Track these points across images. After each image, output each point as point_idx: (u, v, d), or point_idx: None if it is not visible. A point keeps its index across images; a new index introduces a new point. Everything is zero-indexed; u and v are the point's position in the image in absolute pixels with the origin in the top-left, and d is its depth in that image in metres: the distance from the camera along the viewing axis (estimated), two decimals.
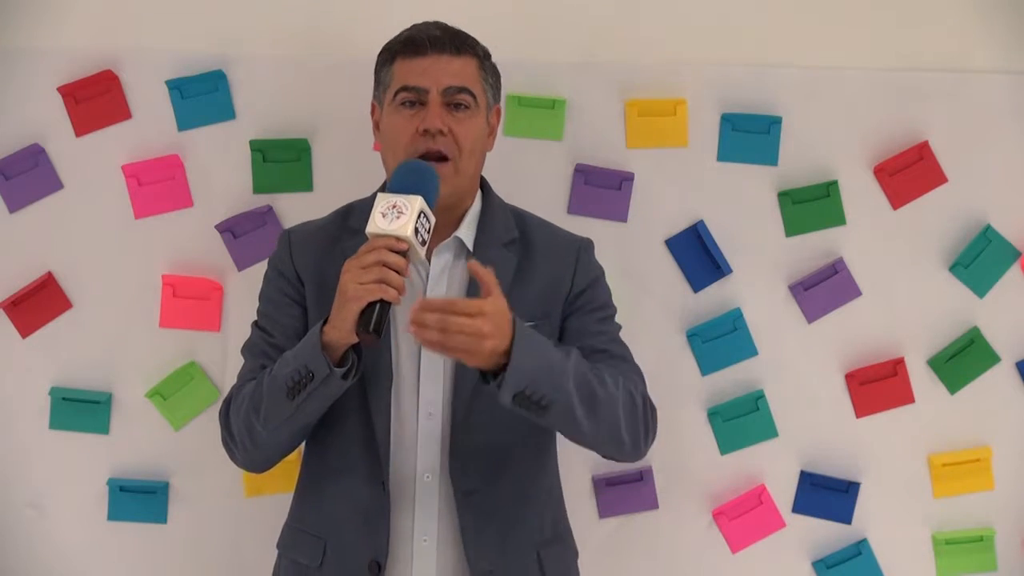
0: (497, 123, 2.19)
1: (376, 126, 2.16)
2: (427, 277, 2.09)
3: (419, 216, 1.92)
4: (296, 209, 2.51)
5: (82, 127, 2.51)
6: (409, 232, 1.91)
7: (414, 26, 2.12)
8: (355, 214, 2.17)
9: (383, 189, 2.16)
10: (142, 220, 2.53)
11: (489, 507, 2.07)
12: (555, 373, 1.92)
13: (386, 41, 2.16)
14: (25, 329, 2.53)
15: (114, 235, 2.53)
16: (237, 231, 2.53)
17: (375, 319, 1.88)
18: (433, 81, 2.05)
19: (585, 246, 2.21)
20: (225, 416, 2.10)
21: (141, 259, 2.53)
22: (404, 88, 2.06)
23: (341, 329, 1.92)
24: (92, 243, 2.53)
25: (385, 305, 1.90)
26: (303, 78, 2.51)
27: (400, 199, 1.93)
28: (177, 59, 2.50)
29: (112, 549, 2.56)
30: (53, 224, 2.53)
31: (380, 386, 2.05)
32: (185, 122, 2.52)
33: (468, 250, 2.11)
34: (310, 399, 1.97)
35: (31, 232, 2.53)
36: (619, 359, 2.13)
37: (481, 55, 2.12)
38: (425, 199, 1.94)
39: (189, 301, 2.53)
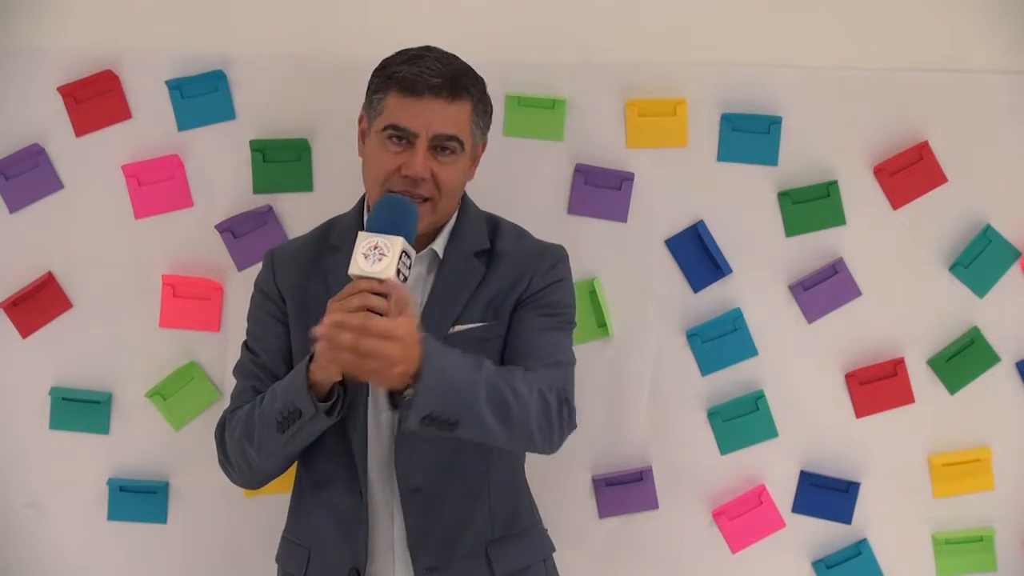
0: (482, 153, 2.19)
1: (361, 136, 2.16)
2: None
3: (401, 256, 1.92)
4: (296, 209, 2.52)
5: (82, 127, 2.51)
6: (391, 275, 1.91)
7: (417, 58, 2.08)
8: (336, 230, 2.19)
9: (362, 206, 2.18)
10: (142, 220, 2.53)
11: (434, 504, 2.09)
12: (463, 392, 1.92)
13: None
14: (25, 329, 2.53)
15: (114, 235, 2.53)
16: (237, 231, 2.53)
17: None
18: (424, 126, 2.04)
19: (552, 251, 2.21)
20: (220, 438, 2.13)
21: (141, 259, 2.53)
22: (394, 126, 2.05)
23: (327, 370, 1.96)
24: (92, 243, 2.53)
25: None
26: (303, 78, 2.51)
27: (381, 240, 1.92)
28: (177, 59, 2.50)
29: (112, 549, 2.56)
30: (53, 224, 2.53)
31: (356, 401, 2.07)
32: (185, 122, 2.52)
33: (439, 259, 2.14)
34: (299, 433, 2.01)
35: (31, 232, 2.53)
36: (541, 354, 2.10)
37: (476, 97, 2.10)
38: (406, 237, 1.94)
39: (189, 301, 2.53)
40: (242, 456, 2.08)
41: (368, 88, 2.14)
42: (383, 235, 1.93)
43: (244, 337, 2.21)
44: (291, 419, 1.99)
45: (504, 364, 2.10)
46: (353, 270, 1.93)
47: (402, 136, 2.06)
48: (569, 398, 2.11)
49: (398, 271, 1.92)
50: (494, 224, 2.22)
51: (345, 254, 2.05)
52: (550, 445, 2.08)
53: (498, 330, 2.13)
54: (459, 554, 2.10)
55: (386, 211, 1.99)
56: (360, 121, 2.17)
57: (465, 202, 2.21)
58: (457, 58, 2.11)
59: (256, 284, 2.22)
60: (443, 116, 2.06)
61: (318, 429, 2.02)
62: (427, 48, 2.11)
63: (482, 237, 2.18)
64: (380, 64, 2.13)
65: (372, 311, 1.89)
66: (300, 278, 2.15)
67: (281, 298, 2.16)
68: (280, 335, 2.15)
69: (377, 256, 1.92)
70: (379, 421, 2.10)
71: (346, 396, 2.03)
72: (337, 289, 1.96)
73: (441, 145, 2.06)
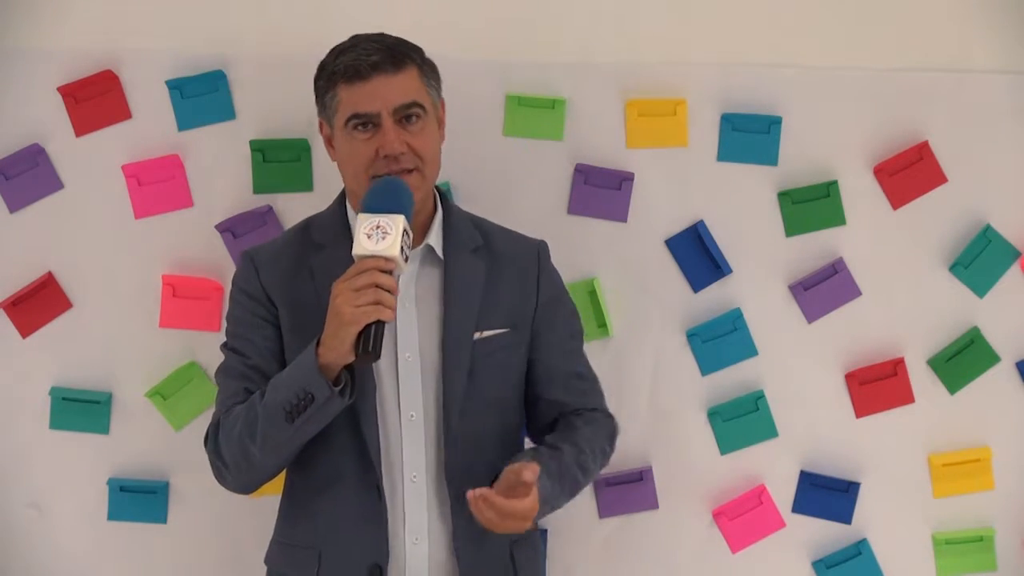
0: (443, 113, 2.20)
1: (327, 141, 2.17)
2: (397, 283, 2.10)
3: (403, 234, 1.95)
4: (296, 209, 2.51)
5: (82, 127, 2.51)
6: (396, 252, 1.94)
7: (350, 46, 2.10)
8: (315, 229, 2.19)
9: (342, 203, 2.19)
10: (142, 220, 2.53)
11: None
12: (551, 508, 2.07)
13: (332, 50, 2.15)
14: (25, 329, 2.53)
15: (114, 235, 2.53)
16: (237, 231, 2.53)
17: (372, 341, 1.93)
18: (382, 104, 2.06)
19: (543, 251, 2.25)
20: (214, 442, 2.11)
21: (141, 259, 2.53)
22: (354, 115, 2.07)
23: (338, 351, 1.96)
24: (92, 243, 2.53)
25: (381, 325, 1.94)
26: (303, 78, 2.48)
27: (383, 219, 1.95)
28: (177, 59, 2.50)
29: (112, 549, 2.56)
30: (53, 224, 2.53)
31: (366, 395, 2.08)
32: (185, 122, 2.52)
33: (439, 257, 2.15)
34: (310, 421, 2.00)
35: (31, 232, 2.53)
36: (590, 383, 2.26)
37: (419, 61, 2.12)
38: (405, 215, 1.97)
39: (189, 301, 2.53)
40: (242, 455, 2.06)
41: (316, 95, 2.14)
42: (384, 214, 1.95)
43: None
44: (302, 406, 1.98)
45: (541, 385, 2.20)
46: (357, 250, 1.95)
47: (366, 122, 2.07)
48: (615, 420, 2.26)
49: (401, 248, 1.94)
50: (476, 220, 2.24)
51: (332, 251, 2.09)
52: None
53: (519, 338, 2.17)
54: (493, 556, 2.12)
55: (382, 192, 2.02)
56: (320, 129, 2.17)
57: (445, 199, 2.22)
58: (385, 34, 2.13)
59: (237, 285, 2.19)
60: (396, 88, 2.06)
61: (331, 414, 2.01)
62: (354, 37, 2.13)
63: (473, 233, 2.20)
64: (318, 69, 2.14)
65: (380, 288, 1.93)
66: (287, 278, 2.15)
67: (268, 299, 2.14)
68: (270, 336, 2.14)
69: (380, 235, 1.95)
70: (385, 410, 2.10)
71: (354, 380, 2.03)
72: (326, 287, 1.99)
73: (405, 115, 2.07)
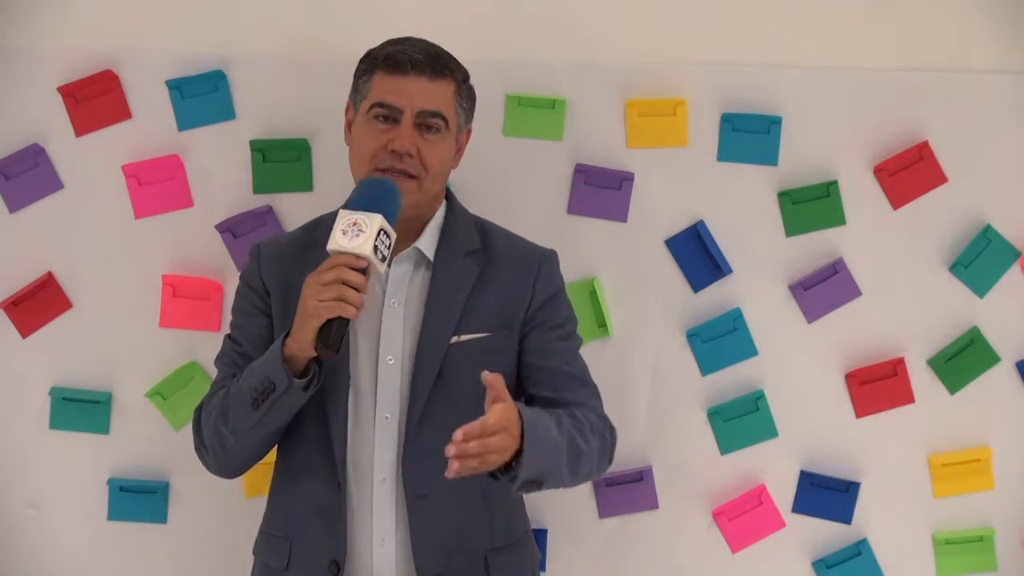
0: (466, 143, 2.22)
1: (348, 126, 2.19)
2: (386, 284, 2.12)
3: (379, 234, 1.96)
4: (296, 209, 2.52)
5: (82, 127, 2.52)
6: (368, 251, 1.94)
7: (400, 41, 2.14)
8: (323, 227, 2.20)
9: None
10: (142, 220, 2.53)
11: (439, 512, 2.08)
12: (553, 457, 1.97)
13: (384, 41, 2.17)
14: (25, 329, 2.53)
15: (114, 235, 2.53)
16: (237, 231, 2.53)
17: (332, 336, 1.95)
18: (408, 102, 2.08)
19: (548, 257, 2.23)
20: (197, 423, 2.14)
21: (141, 259, 2.53)
22: (380, 104, 2.09)
23: (301, 343, 1.98)
24: (92, 243, 2.53)
25: (343, 321, 1.96)
26: (303, 78, 2.52)
27: (361, 216, 1.97)
28: (177, 59, 2.51)
29: (112, 549, 2.56)
30: (53, 224, 2.53)
31: (338, 391, 2.09)
32: (185, 122, 2.52)
33: (428, 260, 2.15)
34: (273, 409, 2.02)
35: (31, 232, 2.53)
36: (580, 382, 2.17)
37: (459, 79, 2.15)
38: (386, 216, 1.98)
39: (189, 301, 2.53)
40: (217, 438, 2.08)
41: (354, 76, 2.17)
42: (363, 212, 1.97)
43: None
44: (265, 394, 2.00)
45: (530, 384, 2.15)
46: (331, 245, 1.97)
47: (388, 115, 2.09)
48: (610, 422, 2.18)
49: (376, 248, 1.95)
50: (481, 225, 2.24)
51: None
52: (600, 474, 2.16)
53: (506, 343, 2.14)
54: (461, 562, 2.10)
55: (366, 191, 2.04)
56: (346, 111, 2.19)
57: (452, 202, 2.23)
58: (437, 45, 2.16)
59: (241, 277, 2.23)
60: (427, 93, 2.09)
61: (292, 404, 2.02)
62: (407, 36, 2.16)
63: (472, 237, 2.19)
64: (365, 53, 2.17)
65: (347, 285, 1.94)
66: (285, 271, 2.17)
67: (265, 290, 2.17)
68: (263, 326, 2.16)
69: (355, 232, 1.96)
70: (359, 409, 2.10)
71: (321, 372, 2.04)
72: None
73: (426, 123, 2.10)
